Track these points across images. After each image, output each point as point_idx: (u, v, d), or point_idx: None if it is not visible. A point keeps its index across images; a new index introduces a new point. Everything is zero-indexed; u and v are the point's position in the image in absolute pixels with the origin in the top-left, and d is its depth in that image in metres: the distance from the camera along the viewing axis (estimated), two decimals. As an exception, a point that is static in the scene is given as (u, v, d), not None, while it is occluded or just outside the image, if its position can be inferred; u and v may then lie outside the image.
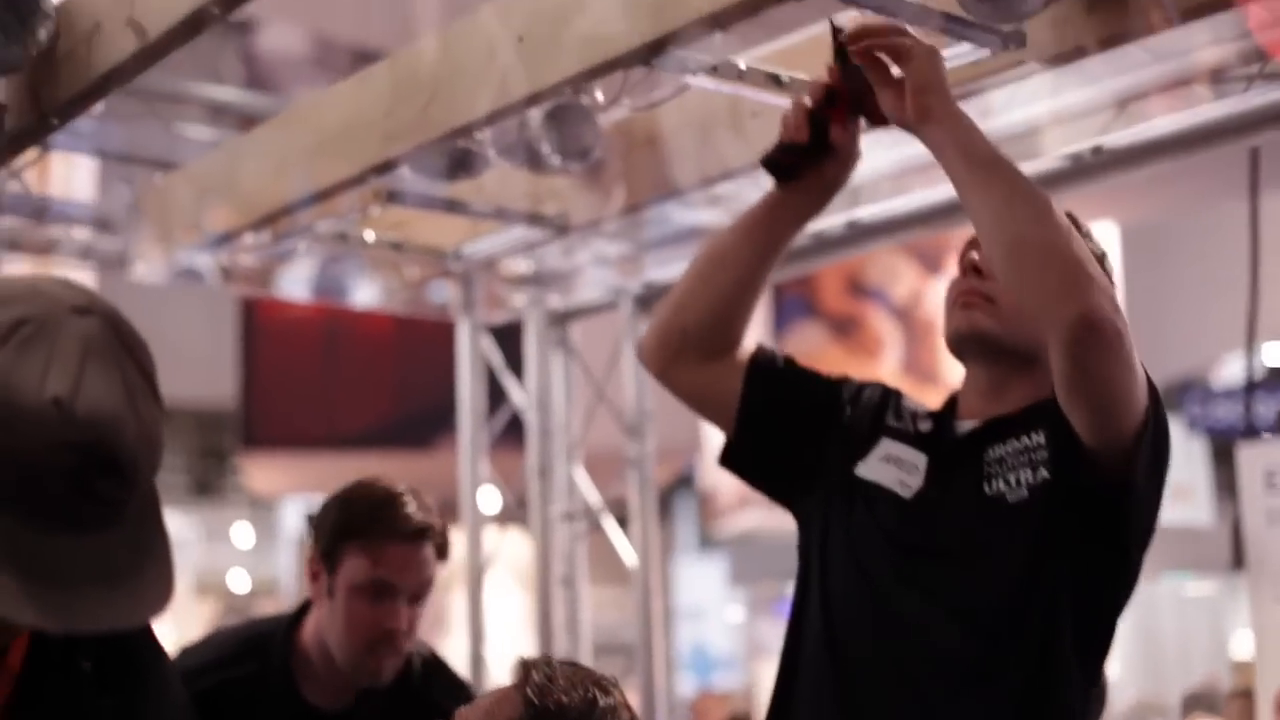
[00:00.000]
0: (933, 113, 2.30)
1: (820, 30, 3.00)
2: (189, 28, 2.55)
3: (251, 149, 3.92)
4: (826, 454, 2.53)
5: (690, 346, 2.59)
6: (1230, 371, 12.42)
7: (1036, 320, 2.21)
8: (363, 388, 12.21)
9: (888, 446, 2.47)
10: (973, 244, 2.43)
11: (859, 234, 4.39)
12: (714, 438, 9.42)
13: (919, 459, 2.42)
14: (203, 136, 4.50)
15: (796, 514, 2.58)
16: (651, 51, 2.73)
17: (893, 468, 2.44)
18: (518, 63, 2.88)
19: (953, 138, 2.28)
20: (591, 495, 5.24)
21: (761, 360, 2.61)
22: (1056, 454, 2.27)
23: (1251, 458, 5.30)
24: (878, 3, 2.56)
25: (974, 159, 2.26)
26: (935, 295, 10.00)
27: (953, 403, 2.49)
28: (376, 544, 2.75)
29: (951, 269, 2.49)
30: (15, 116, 3.02)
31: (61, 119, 2.94)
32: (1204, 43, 3.26)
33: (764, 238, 2.56)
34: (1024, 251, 2.18)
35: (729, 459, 2.63)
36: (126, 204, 4.30)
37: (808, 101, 2.46)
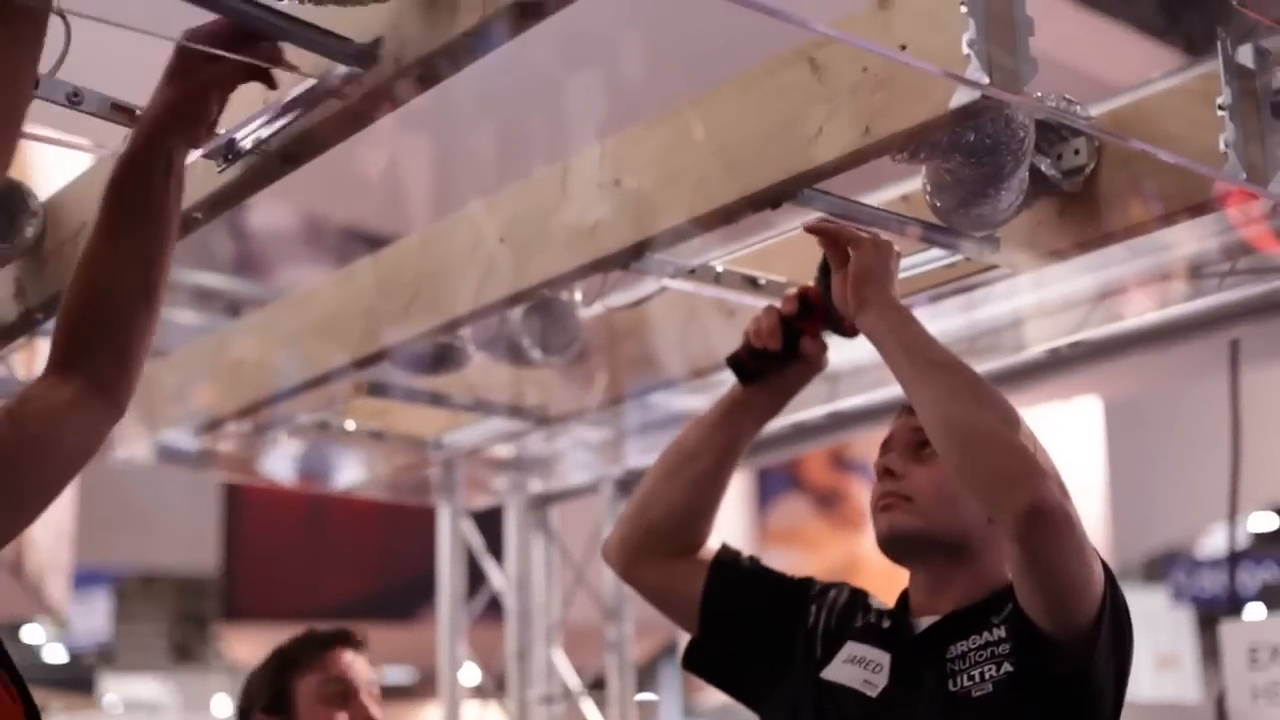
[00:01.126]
0: (869, 302, 2.35)
1: (796, 230, 3.06)
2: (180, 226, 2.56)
3: (237, 338, 3.96)
4: (792, 657, 2.53)
5: (654, 544, 2.61)
6: (1214, 542, 12.43)
7: (988, 509, 2.23)
8: (346, 560, 12.18)
9: (852, 648, 2.47)
10: (884, 446, 2.47)
11: (841, 421, 4.42)
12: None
13: (883, 658, 2.42)
14: (190, 321, 4.54)
15: (761, 715, 2.57)
16: (631, 255, 2.77)
17: (857, 668, 2.44)
18: (500, 262, 2.93)
19: (888, 327, 2.33)
20: (570, 678, 5.23)
21: (725, 561, 2.62)
22: (1018, 646, 2.26)
23: (1234, 634, 5.29)
24: (851, 210, 2.60)
25: (912, 350, 2.30)
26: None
27: (904, 600, 2.50)
28: (319, 658, 2.84)
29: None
30: (2, 310, 3.04)
31: (46, 314, 2.96)
32: (1183, 239, 3.31)
33: (725, 436, 2.59)
34: (969, 442, 2.20)
35: (692, 660, 2.63)
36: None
37: (783, 309, 2.50)
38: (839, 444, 11.56)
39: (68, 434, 1.96)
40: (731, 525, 9.42)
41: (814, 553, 12.85)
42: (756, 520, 13.09)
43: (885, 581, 2.65)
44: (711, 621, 2.58)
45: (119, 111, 2.23)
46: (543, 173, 2.91)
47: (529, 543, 5.27)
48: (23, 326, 3.04)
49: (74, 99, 2.20)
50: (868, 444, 10.09)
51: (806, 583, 2.62)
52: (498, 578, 5.32)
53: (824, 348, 2.54)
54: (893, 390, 4.17)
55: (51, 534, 8.54)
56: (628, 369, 3.84)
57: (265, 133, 2.23)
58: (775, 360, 2.52)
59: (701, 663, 2.62)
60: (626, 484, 4.99)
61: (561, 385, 3.99)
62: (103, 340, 2.00)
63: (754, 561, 2.65)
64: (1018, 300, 3.64)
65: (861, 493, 12.63)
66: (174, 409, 4.22)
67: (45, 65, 2.00)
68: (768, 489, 13.10)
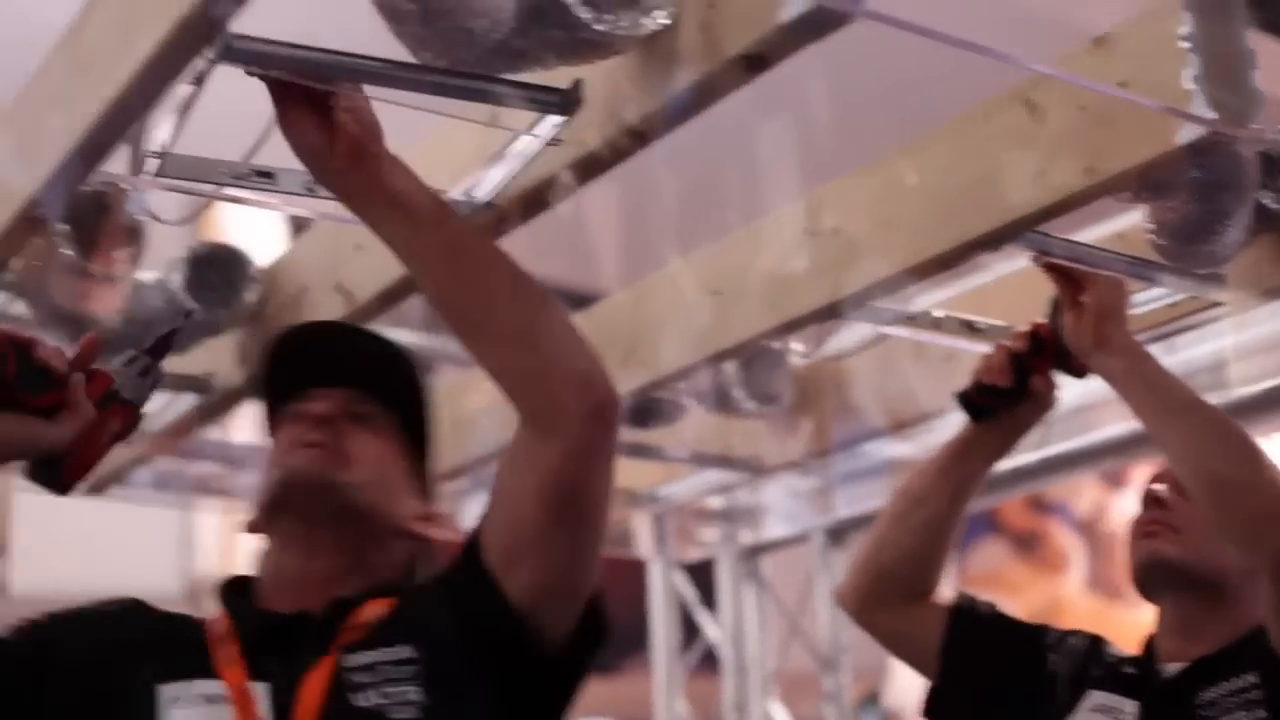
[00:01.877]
0: (1110, 341, 2.31)
1: (1010, 271, 3.04)
2: (397, 291, 2.61)
3: (446, 403, 4.00)
4: (1034, 705, 2.50)
5: (887, 589, 2.59)
6: None
7: (1243, 554, 2.18)
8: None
9: (1096, 697, 2.42)
10: (1156, 478, 2.42)
11: (1051, 465, 4.36)
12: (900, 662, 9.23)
13: (1129, 705, 2.37)
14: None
15: None
16: (847, 304, 2.76)
17: (1103, 716, 2.39)
18: (714, 315, 2.94)
19: (1131, 366, 2.28)
20: (788, 729, 5.22)
21: (963, 608, 2.59)
22: (1271, 692, 2.19)
23: None
24: (1075, 251, 2.58)
25: (1157, 389, 2.25)
26: (1119, 509, 9.87)
27: (1150, 645, 2.45)
28: None
29: (1135, 482, 2.48)
30: (224, 376, 3.11)
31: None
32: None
33: (955, 477, 2.56)
34: (1220, 484, 2.14)
35: (933, 708, 2.61)
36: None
37: (1013, 346, 2.48)
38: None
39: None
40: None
41: (1014, 597, 12.67)
42: (956, 565, 12.96)
43: (1090, 627, 2.60)
44: (952, 669, 2.55)
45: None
46: (753, 224, 2.92)
47: (741, 594, 5.26)
48: (246, 391, 3.10)
49: (310, 188, 2.24)
50: (1066, 487, 9.88)
51: (1043, 630, 2.58)
52: (712, 629, 5.31)
53: (1054, 386, 2.51)
54: (1103, 433, 4.16)
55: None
56: (838, 417, 3.83)
57: (488, 189, 2.27)
58: (1005, 398, 2.50)
59: (943, 710, 2.60)
60: (837, 533, 4.97)
61: (772, 435, 3.99)
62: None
63: (991, 608, 2.62)
64: (1223, 340, 3.57)
65: (1061, 535, 12.43)
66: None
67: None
68: (966, 533, 12.99)
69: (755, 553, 5.26)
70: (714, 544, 5.26)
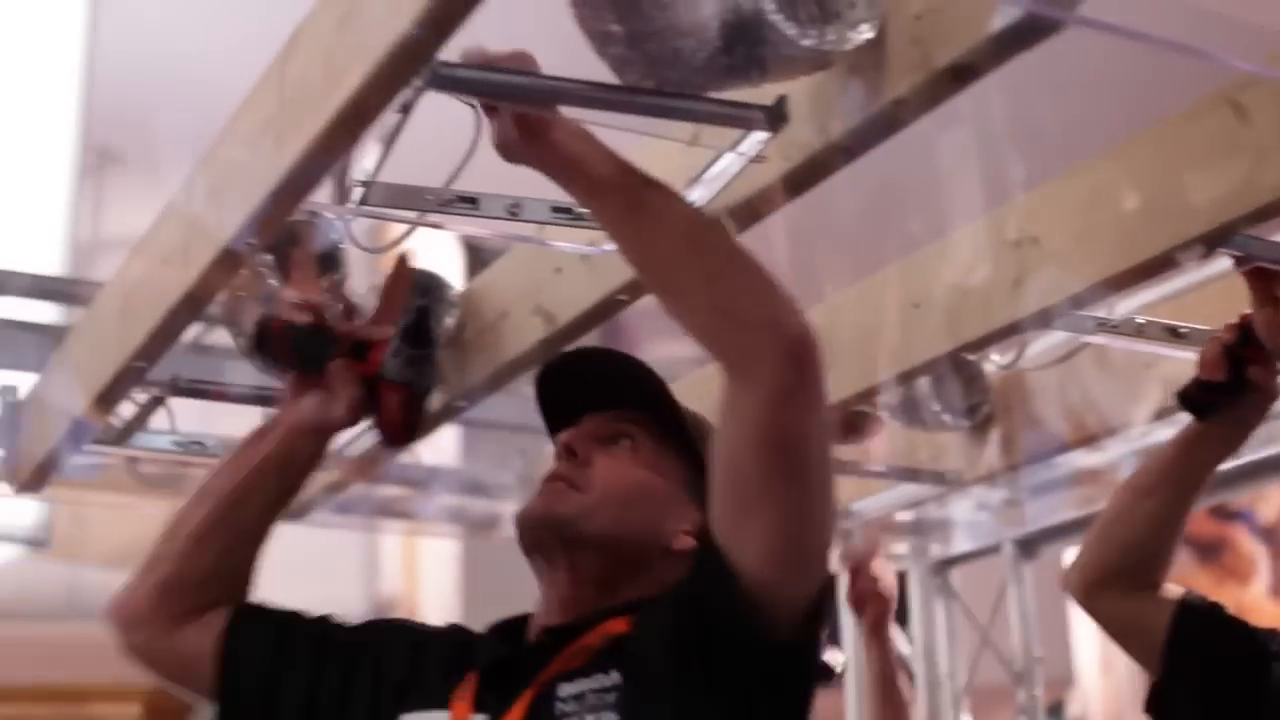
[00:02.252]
0: None
1: (1210, 274, 2.98)
2: (598, 313, 2.61)
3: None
4: (1258, 713, 2.46)
5: (1112, 578, 2.57)
6: None
7: None
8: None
9: None
10: None
11: (1240, 474, 4.25)
12: (1087, 671, 9.11)
13: None
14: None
15: None
16: (1051, 314, 2.73)
17: None
18: (915, 327, 2.92)
19: None
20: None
21: (1192, 604, 2.56)
22: None
23: None
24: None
25: None
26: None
27: None
28: None
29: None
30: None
31: (470, 401, 3.04)
32: None
33: (1182, 473, 2.54)
34: None
35: (1156, 706, 2.58)
36: (519, 473, 4.41)
37: (1224, 339, 2.45)
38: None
39: None
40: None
41: (1200, 605, 12.52)
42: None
43: (1278, 629, 2.57)
44: (1176, 666, 2.52)
45: (560, 213, 2.29)
46: (951, 235, 2.90)
47: (932, 607, 5.21)
48: (445, 415, 3.12)
49: (514, 210, 2.27)
50: (1250, 495, 9.69)
51: (1272, 635, 2.55)
52: (903, 643, 5.26)
53: (1275, 374, 2.47)
54: None
55: (436, 607, 8.81)
56: (1031, 428, 3.79)
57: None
58: (1224, 392, 2.47)
59: (1165, 708, 2.56)
60: (1028, 544, 4.91)
61: (965, 448, 3.94)
62: None
63: (1219, 608, 2.58)
64: None
65: (1245, 542, 12.22)
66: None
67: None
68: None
69: (945, 566, 5.22)
70: (904, 557, 5.22)
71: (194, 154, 2.52)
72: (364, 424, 2.23)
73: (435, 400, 3.08)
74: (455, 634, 2.18)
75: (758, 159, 2.10)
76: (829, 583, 1.86)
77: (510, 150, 1.89)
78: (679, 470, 2.04)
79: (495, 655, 2.01)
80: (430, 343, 2.12)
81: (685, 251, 1.84)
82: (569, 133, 1.87)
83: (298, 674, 2.11)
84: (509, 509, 4.71)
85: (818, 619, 1.86)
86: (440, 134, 1.94)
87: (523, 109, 1.86)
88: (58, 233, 6.06)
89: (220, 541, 2.19)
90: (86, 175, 6.51)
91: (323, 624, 2.23)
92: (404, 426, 2.12)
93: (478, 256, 7.38)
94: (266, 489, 2.21)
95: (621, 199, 1.87)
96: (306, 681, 2.11)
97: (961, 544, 5.13)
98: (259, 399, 3.16)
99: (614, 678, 1.86)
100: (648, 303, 2.20)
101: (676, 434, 2.05)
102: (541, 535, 2.02)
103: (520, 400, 4.16)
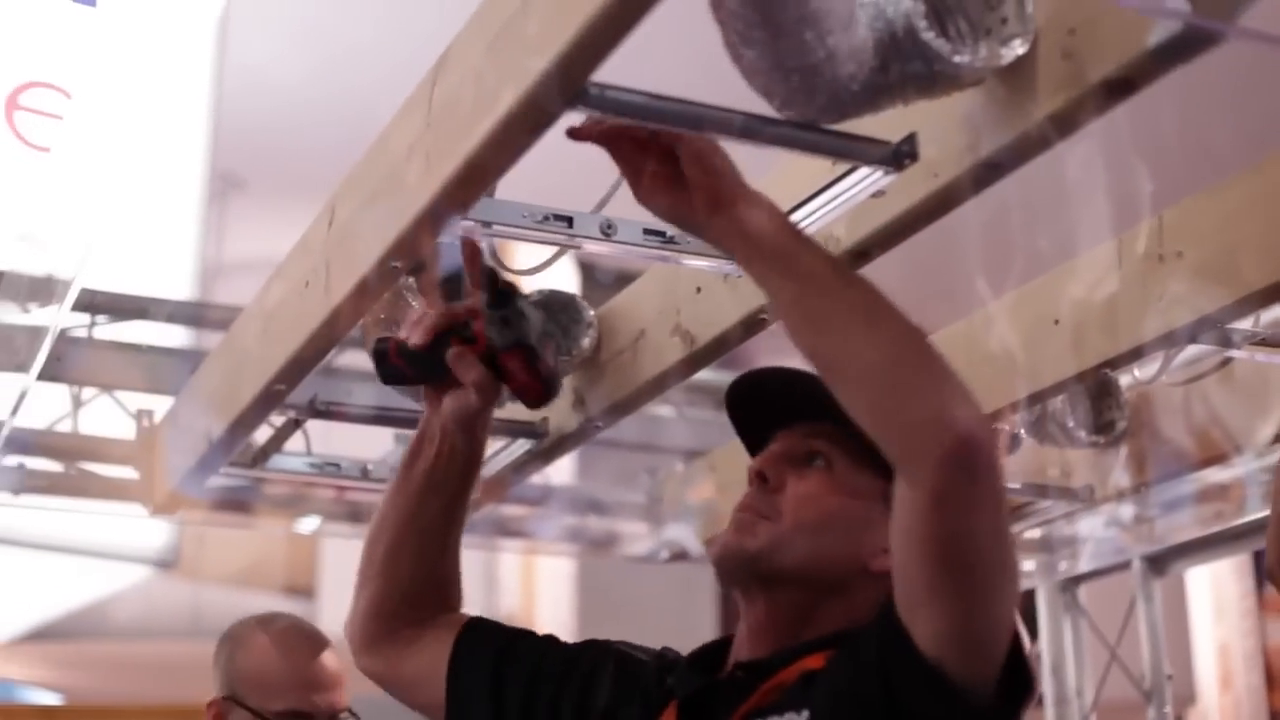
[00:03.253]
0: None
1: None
2: (739, 333, 2.61)
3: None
4: None
5: None
6: None
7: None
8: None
9: None
10: None
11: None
12: (1207, 689, 8.99)
13: None
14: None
15: None
16: (1197, 328, 2.71)
17: None
18: (1055, 345, 2.90)
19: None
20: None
21: None
22: None
23: None
24: None
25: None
26: None
27: None
28: None
29: None
30: (558, 421, 3.14)
31: (605, 422, 3.04)
32: None
33: None
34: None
35: None
36: (648, 492, 4.41)
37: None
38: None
39: None
40: (1230, 600, 9.09)
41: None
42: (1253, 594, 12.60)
43: None
44: None
45: (651, 235, 2.30)
46: (1095, 250, 2.87)
47: (1060, 624, 5.16)
48: (580, 436, 3.12)
49: (607, 230, 2.27)
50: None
51: None
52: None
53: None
54: None
55: (551, 623, 8.83)
56: (1165, 444, 3.74)
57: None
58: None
59: None
60: (1158, 560, 4.87)
61: (1100, 464, 3.91)
62: None
63: None
64: None
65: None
66: (678, 509, 4.32)
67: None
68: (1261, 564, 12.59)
69: (1074, 583, 5.17)
70: (1032, 574, 5.18)
71: (314, 178, 2.53)
72: (506, 398, 2.25)
73: (571, 422, 3.09)
74: (662, 659, 2.17)
75: (876, 195, 2.12)
76: (1022, 659, 1.80)
77: (692, 227, 1.88)
78: (875, 484, 1.95)
79: (693, 687, 2.01)
80: (511, 298, 2.12)
81: (858, 341, 1.77)
82: (753, 203, 1.83)
83: (516, 691, 2.17)
84: (627, 528, 4.71)
85: (1018, 692, 1.81)
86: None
87: (659, 127, 1.85)
88: (186, 257, 6.14)
89: (410, 553, 2.24)
90: (211, 201, 6.59)
91: (543, 643, 2.27)
92: (536, 383, 2.13)
93: (590, 276, 7.42)
94: (440, 492, 2.24)
95: (798, 278, 1.80)
96: (521, 701, 2.16)
97: (1089, 561, 5.09)
98: (395, 420, 3.18)
99: (804, 717, 1.85)
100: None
101: (871, 446, 2.00)
102: (735, 571, 2.01)
103: (646, 420, 4.18)
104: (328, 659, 2.99)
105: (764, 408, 2.11)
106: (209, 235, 6.56)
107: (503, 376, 2.13)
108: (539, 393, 2.15)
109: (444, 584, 2.29)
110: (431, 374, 2.20)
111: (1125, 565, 4.97)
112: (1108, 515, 4.68)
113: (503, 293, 2.13)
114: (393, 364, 2.23)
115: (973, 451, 1.69)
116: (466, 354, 2.14)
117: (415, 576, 2.25)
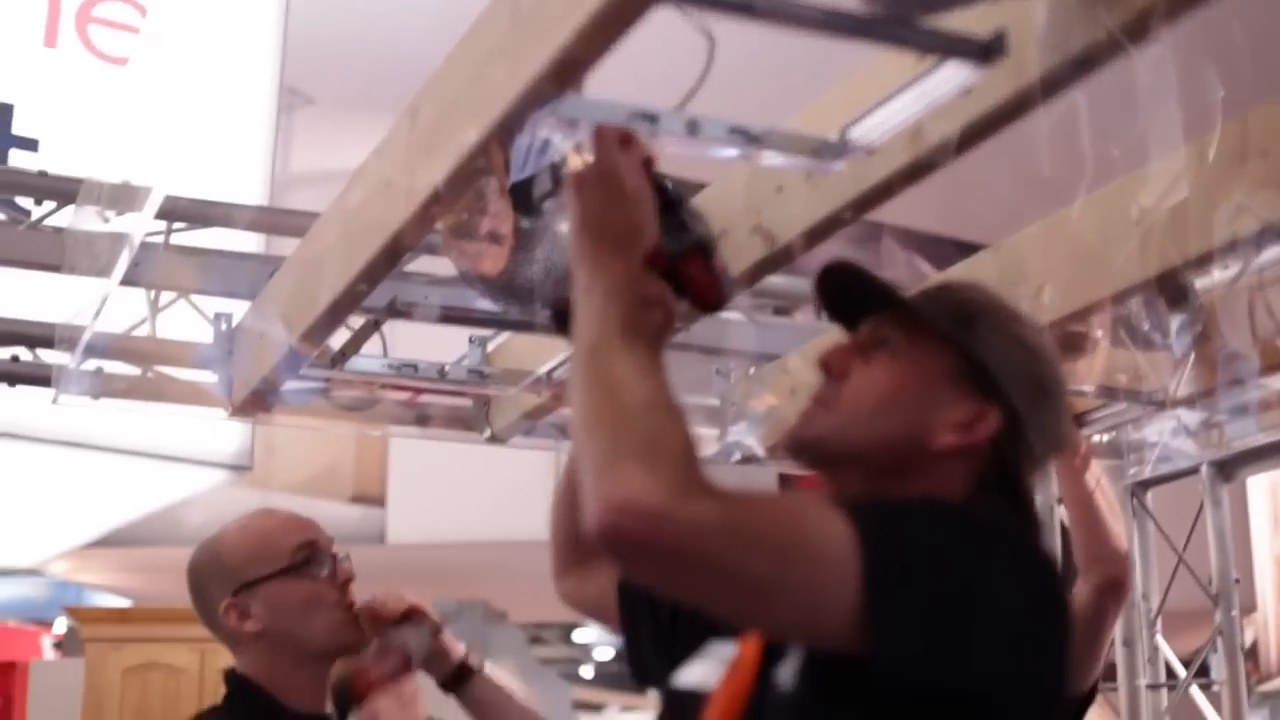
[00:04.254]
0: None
1: None
2: (820, 232, 2.61)
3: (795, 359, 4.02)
4: None
5: None
6: None
7: None
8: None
9: None
10: None
11: None
12: (1265, 598, 8.98)
13: None
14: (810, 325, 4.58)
15: None
16: (1275, 232, 2.69)
17: None
18: (1133, 245, 2.88)
19: None
20: (1177, 666, 5.12)
21: None
22: None
23: None
24: None
25: None
26: None
27: None
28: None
29: None
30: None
31: (685, 324, 3.03)
32: None
33: None
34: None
35: None
36: (719, 394, 4.42)
37: None
38: None
39: None
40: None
41: None
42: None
43: None
44: None
45: (736, 134, 2.29)
46: (1174, 153, 2.85)
47: (1128, 530, 5.16)
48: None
49: (692, 128, 2.26)
50: None
51: None
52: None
53: None
54: None
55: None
56: (1238, 349, 3.73)
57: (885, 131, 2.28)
58: None
59: None
60: (1226, 466, 4.87)
61: (1171, 368, 3.90)
62: None
63: None
64: None
65: None
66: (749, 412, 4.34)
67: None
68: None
69: (1143, 487, 5.17)
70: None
71: (380, 93, 2.54)
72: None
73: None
74: None
75: (963, 91, 2.12)
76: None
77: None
78: (943, 363, 2.00)
79: None
80: (682, 201, 2.11)
81: (584, 397, 1.77)
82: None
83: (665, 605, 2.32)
84: (697, 431, 4.71)
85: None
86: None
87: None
88: (258, 169, 6.18)
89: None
90: (279, 114, 6.63)
91: None
92: (715, 282, 2.09)
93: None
94: None
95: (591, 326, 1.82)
96: (669, 613, 2.32)
97: (1159, 465, 5.08)
98: (474, 320, 3.20)
99: None
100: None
101: (940, 329, 2.01)
102: (798, 457, 2.07)
103: (717, 323, 4.18)
104: None
105: (845, 299, 2.14)
106: (278, 148, 6.59)
107: (680, 285, 2.05)
108: (718, 292, 2.10)
109: None
110: None
111: (1193, 470, 4.97)
112: (1178, 420, 4.67)
113: (673, 198, 2.10)
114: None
115: (616, 540, 1.66)
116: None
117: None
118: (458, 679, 3.04)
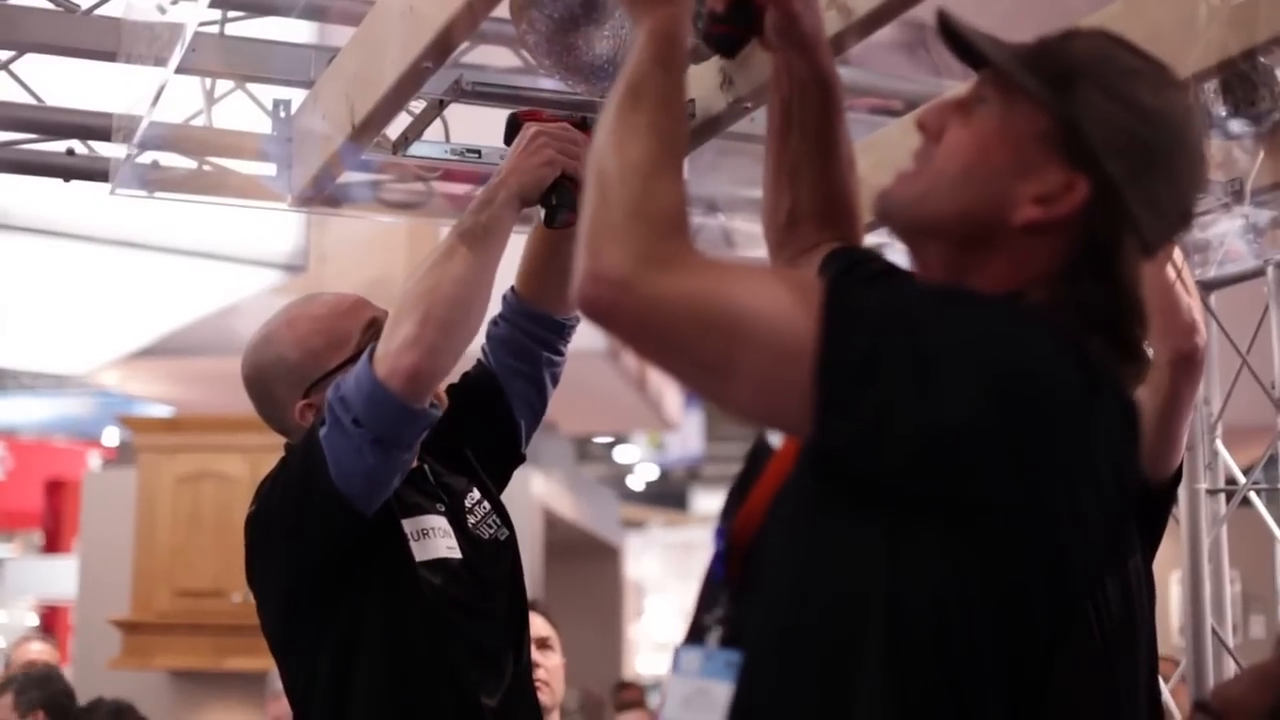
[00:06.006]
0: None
1: None
2: (896, 6, 2.55)
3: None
4: None
5: None
6: None
7: None
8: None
9: None
10: None
11: None
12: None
13: None
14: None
15: None
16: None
17: None
18: (1214, 25, 2.80)
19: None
20: (1236, 472, 5.08)
21: None
22: None
23: None
24: None
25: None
26: None
27: None
28: None
29: None
30: (705, 102, 3.08)
31: (755, 103, 2.98)
32: None
33: None
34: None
35: None
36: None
37: None
38: None
39: None
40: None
41: None
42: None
43: None
44: None
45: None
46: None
47: (1191, 331, 5.10)
48: (729, 117, 3.07)
49: None
50: None
51: None
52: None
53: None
54: None
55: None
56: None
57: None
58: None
59: None
60: (1291, 266, 4.79)
61: (1242, 158, 3.81)
62: None
63: None
64: None
65: None
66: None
67: None
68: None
69: (1206, 289, 5.09)
70: (1163, 280, 5.11)
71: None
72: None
73: (719, 103, 3.04)
74: None
75: None
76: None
77: None
78: (1033, 126, 1.84)
79: None
80: None
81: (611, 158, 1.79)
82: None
83: None
84: (739, 225, 4.65)
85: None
86: None
87: None
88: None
89: (783, 187, 2.43)
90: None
91: None
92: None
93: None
94: (804, 131, 2.42)
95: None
96: None
97: (1225, 266, 5.00)
98: (540, 101, 3.15)
99: None
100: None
101: (1035, 86, 1.85)
102: (883, 221, 1.98)
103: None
104: None
105: (959, 53, 1.98)
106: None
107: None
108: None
109: (822, 214, 2.37)
110: (751, 15, 2.33)
111: (1260, 272, 4.89)
112: (1245, 218, 4.59)
113: None
114: (721, 33, 2.40)
115: (586, 309, 1.72)
116: None
117: (790, 207, 2.38)
118: None
